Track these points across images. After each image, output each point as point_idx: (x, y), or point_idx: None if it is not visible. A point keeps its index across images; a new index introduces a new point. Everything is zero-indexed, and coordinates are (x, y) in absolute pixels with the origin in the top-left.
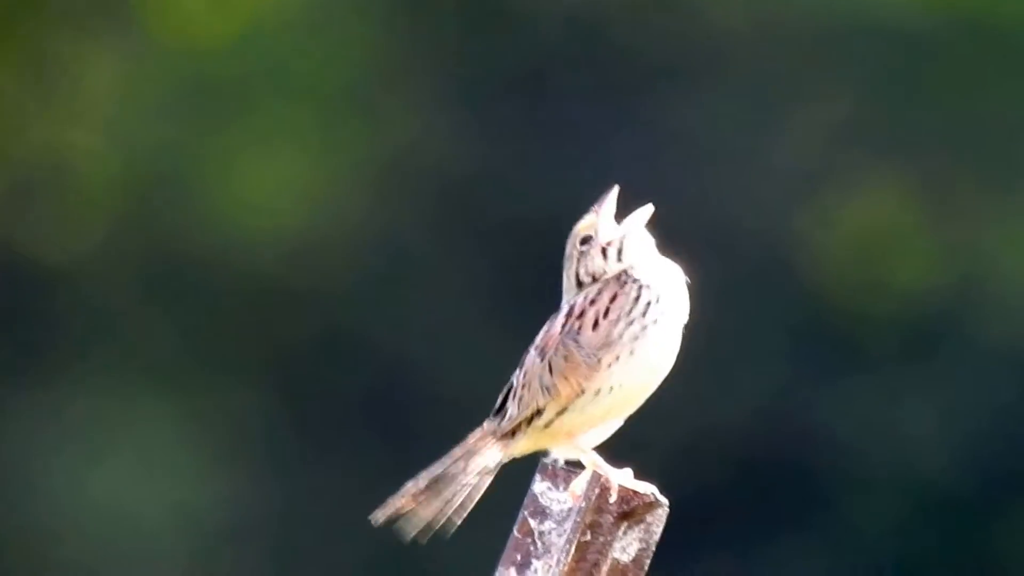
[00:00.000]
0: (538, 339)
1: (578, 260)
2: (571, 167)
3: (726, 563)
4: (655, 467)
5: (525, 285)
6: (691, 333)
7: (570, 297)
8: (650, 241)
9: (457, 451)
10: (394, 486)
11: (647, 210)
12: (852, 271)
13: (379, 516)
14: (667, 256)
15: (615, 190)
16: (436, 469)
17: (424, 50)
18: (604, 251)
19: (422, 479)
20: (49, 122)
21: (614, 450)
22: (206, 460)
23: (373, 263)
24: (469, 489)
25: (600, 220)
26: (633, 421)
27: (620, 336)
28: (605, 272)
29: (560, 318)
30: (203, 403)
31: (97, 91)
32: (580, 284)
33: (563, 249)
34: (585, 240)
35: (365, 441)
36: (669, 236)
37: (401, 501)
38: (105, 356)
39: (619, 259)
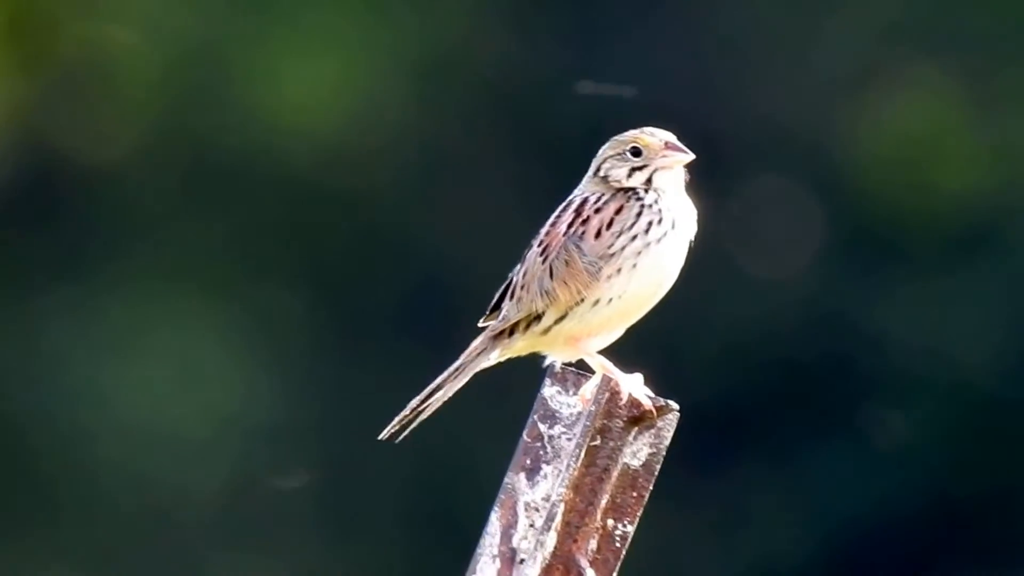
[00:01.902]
0: (542, 233)
1: (612, 157)
2: (614, 69)
3: (764, 464)
4: (698, 368)
5: (567, 185)
6: (735, 234)
7: (584, 186)
8: (681, 178)
9: (455, 365)
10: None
11: (687, 157)
12: (897, 172)
13: (385, 433)
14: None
15: (691, 157)
16: (435, 382)
17: None
18: (635, 169)
19: (422, 395)
20: (89, 20)
21: (652, 351)
22: (245, 361)
23: (412, 163)
24: (457, 389)
25: (658, 146)
26: (675, 321)
27: (622, 249)
28: (620, 183)
29: (567, 215)
30: (242, 304)
31: None
32: (595, 175)
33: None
34: (636, 151)
35: (405, 342)
36: (714, 138)
37: (403, 414)
38: (144, 257)
39: (645, 183)
